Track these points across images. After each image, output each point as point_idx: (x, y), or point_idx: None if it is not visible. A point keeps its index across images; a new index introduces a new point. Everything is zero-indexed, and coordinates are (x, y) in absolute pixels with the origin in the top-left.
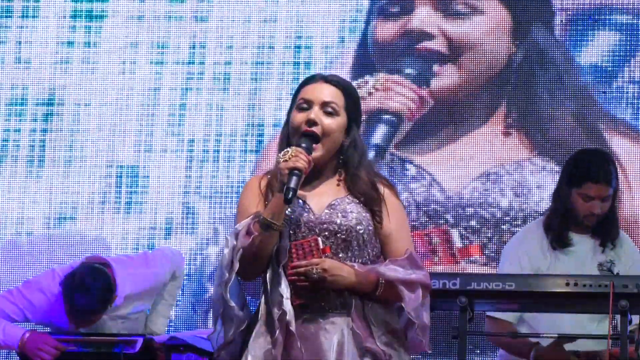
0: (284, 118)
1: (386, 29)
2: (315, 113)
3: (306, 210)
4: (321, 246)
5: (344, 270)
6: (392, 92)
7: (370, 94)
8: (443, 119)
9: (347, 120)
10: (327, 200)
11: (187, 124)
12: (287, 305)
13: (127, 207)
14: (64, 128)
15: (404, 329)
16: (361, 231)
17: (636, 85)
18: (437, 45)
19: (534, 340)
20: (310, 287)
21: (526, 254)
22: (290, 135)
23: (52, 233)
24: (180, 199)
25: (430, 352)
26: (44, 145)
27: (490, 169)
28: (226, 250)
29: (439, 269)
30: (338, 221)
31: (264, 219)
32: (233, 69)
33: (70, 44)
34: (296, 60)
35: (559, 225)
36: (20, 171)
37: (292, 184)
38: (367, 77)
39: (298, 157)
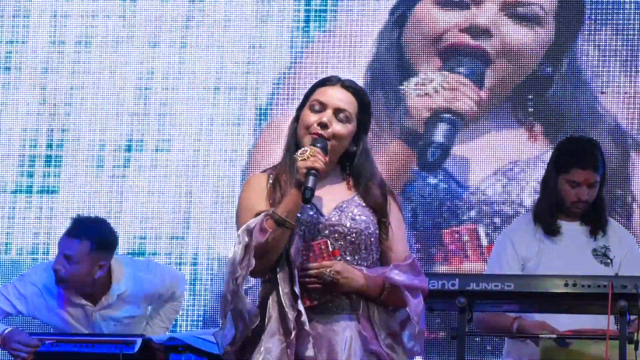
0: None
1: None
2: (328, 117)
3: (314, 211)
4: (330, 249)
5: (355, 273)
6: (457, 92)
7: (436, 91)
8: (475, 119)
9: (356, 128)
10: (334, 202)
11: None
12: (300, 305)
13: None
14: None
15: (400, 330)
16: (369, 235)
17: None
18: (492, 44)
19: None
20: (322, 289)
21: (512, 244)
22: (299, 134)
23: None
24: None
25: (423, 357)
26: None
27: (509, 164)
28: (238, 247)
29: (468, 266)
30: (348, 224)
31: (279, 217)
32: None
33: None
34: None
35: (548, 213)
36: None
37: (310, 184)
38: (431, 75)
39: (316, 158)
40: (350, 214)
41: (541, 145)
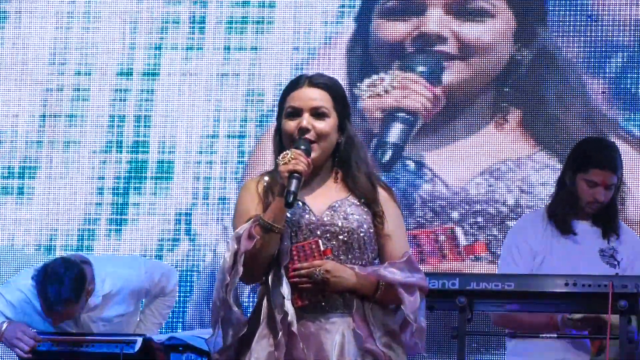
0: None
1: (395, 30)
2: (307, 120)
3: (306, 212)
4: (322, 248)
5: (346, 272)
6: (408, 91)
7: (387, 91)
8: (448, 117)
9: (338, 119)
10: (327, 201)
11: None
12: (288, 306)
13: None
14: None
15: (399, 330)
16: (362, 234)
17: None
18: (450, 47)
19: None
20: (313, 288)
21: (524, 241)
22: (284, 143)
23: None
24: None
25: (425, 354)
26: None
27: (493, 165)
28: (227, 255)
29: (444, 267)
30: (340, 223)
31: (265, 222)
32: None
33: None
34: (296, 61)
35: (563, 212)
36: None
37: (293, 187)
38: (382, 75)
39: (298, 160)
40: (342, 213)
41: (522, 142)
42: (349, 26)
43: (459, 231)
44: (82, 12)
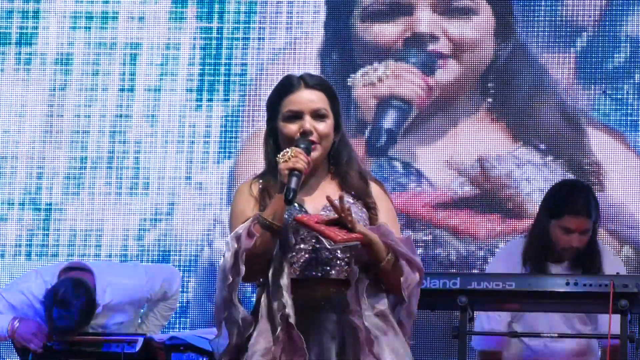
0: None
1: (386, 31)
2: (309, 122)
3: (302, 212)
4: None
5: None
6: (401, 79)
7: (380, 80)
8: (435, 112)
9: (334, 119)
10: (322, 201)
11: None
12: (287, 297)
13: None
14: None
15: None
16: None
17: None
18: (441, 46)
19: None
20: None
21: (507, 263)
22: (283, 147)
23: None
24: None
25: (412, 343)
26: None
27: (477, 161)
28: (228, 254)
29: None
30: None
31: (264, 220)
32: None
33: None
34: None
35: (537, 257)
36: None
37: (293, 185)
38: (376, 64)
39: (298, 158)
40: None
41: (503, 137)
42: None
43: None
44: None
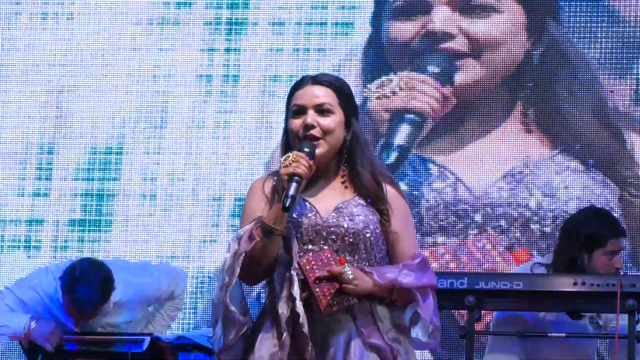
0: None
1: (404, 29)
2: (311, 116)
3: (312, 213)
4: (337, 256)
5: (364, 279)
6: (415, 92)
7: (394, 92)
8: (463, 117)
9: (344, 116)
10: (333, 202)
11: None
12: (299, 307)
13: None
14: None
15: (409, 325)
16: (368, 234)
17: None
18: (459, 44)
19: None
20: (338, 293)
21: None
22: (291, 143)
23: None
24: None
25: (440, 350)
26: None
27: (514, 167)
28: (228, 255)
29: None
30: (345, 225)
31: (265, 225)
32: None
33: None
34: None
35: None
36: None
37: (291, 191)
38: (391, 76)
39: (298, 163)
40: (348, 215)
41: (539, 143)
42: (361, 28)
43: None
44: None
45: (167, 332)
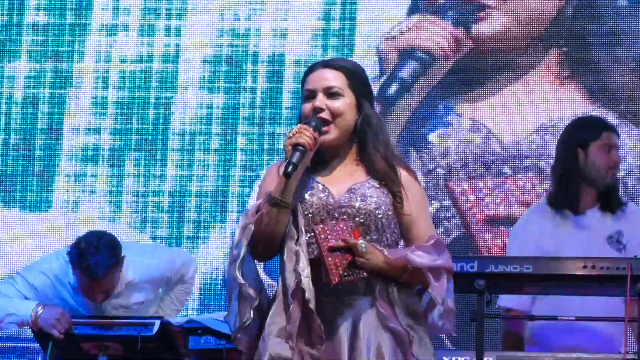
0: None
1: None
2: (320, 100)
3: (325, 193)
4: (352, 229)
5: (376, 253)
6: (424, 31)
7: (402, 32)
8: (491, 66)
9: (355, 99)
10: (346, 184)
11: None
12: (307, 283)
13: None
14: None
15: (425, 311)
16: (380, 215)
17: None
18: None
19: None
20: (349, 266)
21: (532, 240)
22: None
23: None
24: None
25: (455, 334)
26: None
27: (547, 120)
28: (237, 231)
29: None
30: (357, 205)
31: (271, 197)
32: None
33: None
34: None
35: (572, 196)
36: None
37: (294, 159)
38: (402, 18)
39: (301, 134)
40: (361, 196)
41: (573, 95)
42: None
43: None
44: None
45: (177, 315)
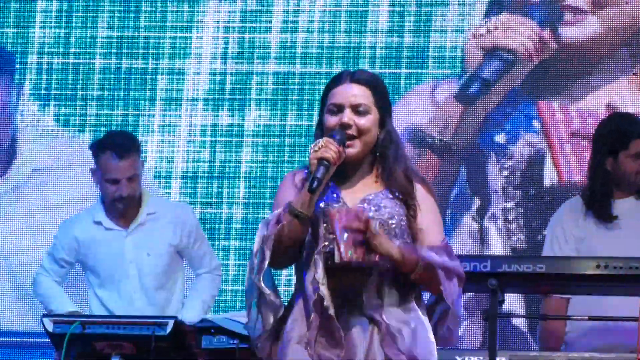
0: None
1: None
2: (348, 116)
3: (340, 204)
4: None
5: (389, 240)
6: (510, 31)
7: (489, 31)
8: (581, 69)
9: (379, 115)
10: (362, 194)
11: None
12: (324, 290)
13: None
14: None
15: (436, 324)
16: (393, 225)
17: None
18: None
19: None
20: (362, 245)
21: (562, 228)
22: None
23: None
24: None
25: (458, 345)
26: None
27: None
28: (256, 239)
29: None
30: (370, 214)
31: (292, 208)
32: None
33: None
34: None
35: (601, 198)
36: None
37: (319, 174)
38: (492, 17)
39: (327, 148)
40: (375, 206)
41: None
42: None
43: None
44: None
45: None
